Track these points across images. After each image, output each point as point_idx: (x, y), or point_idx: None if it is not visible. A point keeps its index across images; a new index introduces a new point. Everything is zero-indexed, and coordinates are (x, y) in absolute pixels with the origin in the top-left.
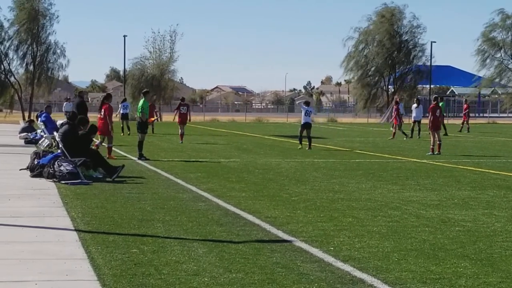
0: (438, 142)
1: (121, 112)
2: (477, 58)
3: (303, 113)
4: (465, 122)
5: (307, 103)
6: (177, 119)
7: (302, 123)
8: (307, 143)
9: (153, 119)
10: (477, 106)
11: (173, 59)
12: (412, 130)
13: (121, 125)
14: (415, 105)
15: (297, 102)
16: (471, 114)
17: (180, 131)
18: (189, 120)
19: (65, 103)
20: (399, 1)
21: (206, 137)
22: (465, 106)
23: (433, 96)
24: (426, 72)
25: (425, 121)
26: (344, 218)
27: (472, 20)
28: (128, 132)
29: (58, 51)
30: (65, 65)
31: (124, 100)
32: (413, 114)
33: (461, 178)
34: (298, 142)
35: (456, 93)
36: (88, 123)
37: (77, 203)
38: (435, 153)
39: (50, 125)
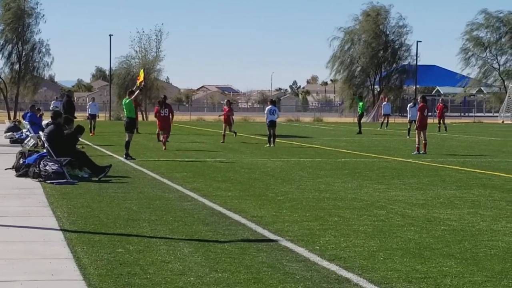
0: (423, 142)
1: (89, 112)
2: (461, 57)
3: (268, 112)
4: (441, 121)
5: (272, 102)
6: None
7: (268, 121)
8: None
9: None
10: (463, 105)
11: (159, 59)
12: (409, 130)
13: (89, 125)
14: (411, 104)
15: (267, 107)
16: (457, 114)
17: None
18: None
19: (53, 101)
20: (384, 1)
21: (192, 137)
22: (439, 106)
23: (420, 96)
24: (412, 72)
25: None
26: (330, 218)
27: (458, 19)
28: (93, 133)
29: (43, 49)
30: (50, 63)
31: (93, 100)
32: (409, 114)
33: (447, 177)
34: (267, 141)
35: (442, 92)
36: (72, 122)
37: (62, 203)
38: (421, 152)
39: (36, 124)
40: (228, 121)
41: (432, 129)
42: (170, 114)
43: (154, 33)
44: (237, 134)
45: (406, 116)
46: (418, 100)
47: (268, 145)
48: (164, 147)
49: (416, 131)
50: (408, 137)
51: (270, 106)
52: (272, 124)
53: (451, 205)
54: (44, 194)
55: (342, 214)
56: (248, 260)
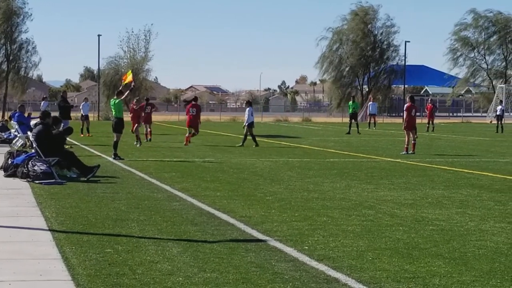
0: (412, 142)
1: (82, 113)
2: (449, 57)
3: (249, 114)
4: (431, 121)
5: (249, 103)
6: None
7: (249, 122)
8: (246, 141)
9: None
10: (451, 106)
11: (148, 59)
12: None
13: (81, 126)
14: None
15: (242, 108)
16: (445, 114)
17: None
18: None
19: (42, 102)
20: (373, 1)
21: (180, 137)
22: (429, 106)
23: (408, 96)
24: (400, 72)
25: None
26: (319, 218)
27: (446, 19)
28: (88, 134)
29: (30, 48)
30: (38, 62)
31: (86, 100)
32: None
33: (435, 177)
34: (254, 141)
35: (430, 92)
36: (60, 122)
37: (51, 203)
38: (409, 152)
39: (25, 124)
40: (148, 120)
41: (421, 129)
42: (197, 113)
43: (143, 33)
44: (227, 134)
45: (395, 116)
46: (407, 100)
47: (254, 145)
48: (186, 143)
49: (405, 131)
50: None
51: (250, 107)
52: (253, 125)
53: (439, 205)
54: (33, 194)
55: (331, 214)
56: (237, 260)
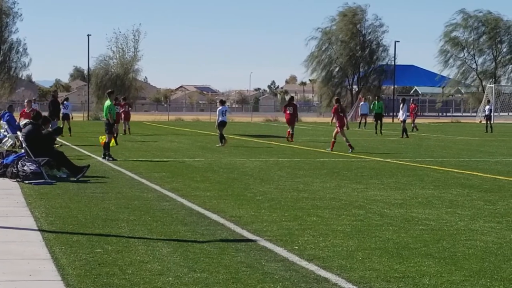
0: (333, 140)
1: (62, 112)
2: (440, 59)
3: (219, 113)
4: (413, 121)
5: (223, 102)
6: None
7: (220, 121)
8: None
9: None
10: (441, 105)
11: (137, 58)
12: (405, 129)
13: (63, 126)
14: (401, 105)
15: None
16: (434, 114)
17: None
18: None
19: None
20: (361, 1)
21: (170, 137)
22: (412, 106)
23: (335, 98)
24: (390, 72)
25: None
26: (309, 217)
27: (436, 19)
28: (70, 134)
29: (21, 49)
30: (27, 64)
31: (66, 99)
32: (399, 113)
33: (425, 177)
34: (220, 140)
35: (420, 92)
36: (50, 122)
37: (40, 203)
38: (350, 151)
39: (13, 125)
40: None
41: (411, 129)
42: (295, 111)
43: (131, 33)
44: (217, 134)
45: (385, 116)
46: (333, 102)
47: (220, 144)
48: (291, 140)
49: (340, 131)
50: (401, 137)
51: (222, 107)
52: (224, 125)
53: (429, 205)
54: (22, 194)
55: (321, 214)
56: (227, 260)
